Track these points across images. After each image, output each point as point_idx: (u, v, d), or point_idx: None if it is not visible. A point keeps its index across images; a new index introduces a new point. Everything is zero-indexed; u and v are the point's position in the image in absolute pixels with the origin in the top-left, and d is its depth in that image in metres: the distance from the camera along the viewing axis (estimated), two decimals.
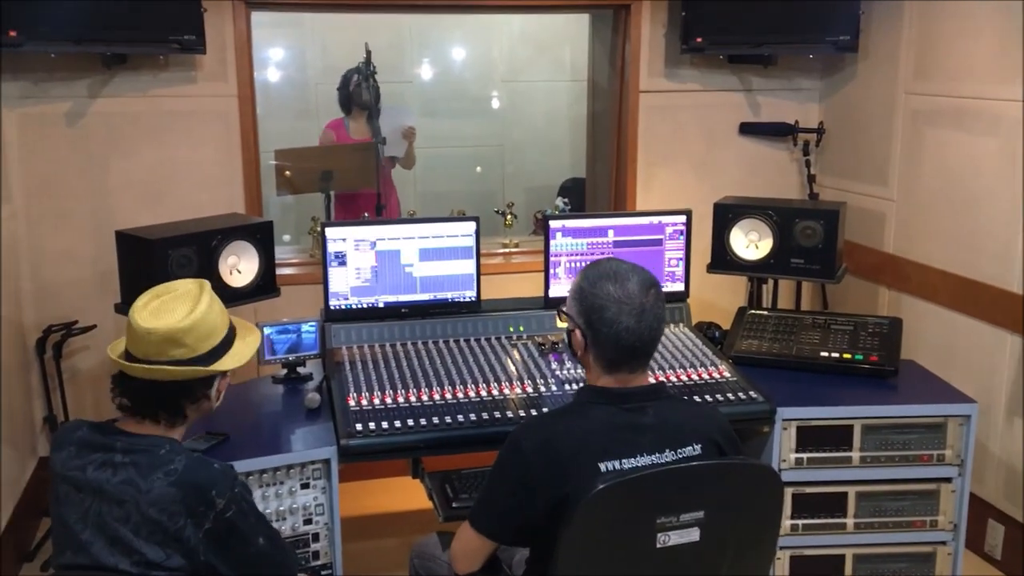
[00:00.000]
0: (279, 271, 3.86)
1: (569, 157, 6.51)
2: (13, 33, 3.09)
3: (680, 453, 1.88)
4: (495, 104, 6.81)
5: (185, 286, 1.92)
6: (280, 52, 6.40)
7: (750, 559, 1.90)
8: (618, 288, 1.91)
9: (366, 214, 4.25)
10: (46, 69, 3.42)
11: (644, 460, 1.85)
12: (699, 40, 3.74)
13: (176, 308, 1.85)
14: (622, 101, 4.08)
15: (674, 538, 1.79)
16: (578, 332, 1.96)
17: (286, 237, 5.85)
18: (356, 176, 4.54)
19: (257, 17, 3.72)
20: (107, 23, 3.20)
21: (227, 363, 1.89)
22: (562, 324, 2.09)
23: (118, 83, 3.52)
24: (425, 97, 6.50)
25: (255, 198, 3.76)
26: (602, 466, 1.82)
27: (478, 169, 6.85)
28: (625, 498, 1.77)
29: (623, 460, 1.84)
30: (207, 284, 1.93)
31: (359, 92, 4.72)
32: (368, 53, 4.79)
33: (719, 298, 3.91)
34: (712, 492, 1.81)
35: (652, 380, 2.00)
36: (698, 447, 1.90)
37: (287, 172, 4.21)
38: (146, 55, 3.47)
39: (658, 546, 1.78)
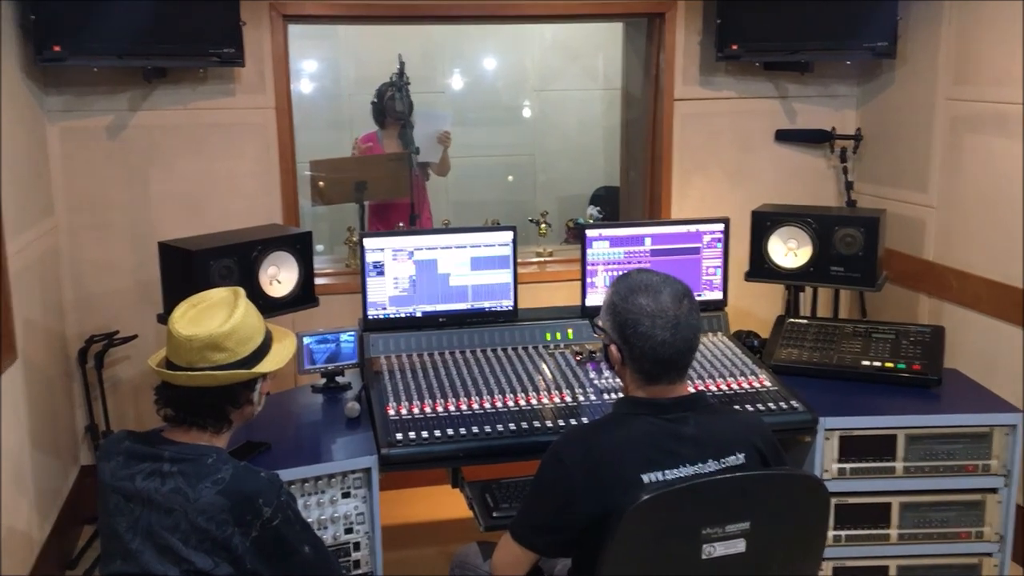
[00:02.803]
0: (315, 281, 3.91)
1: (601, 166, 6.51)
2: (57, 48, 3.15)
3: (723, 463, 1.87)
4: (527, 113, 6.82)
5: (220, 294, 1.96)
6: (314, 64, 6.47)
7: (796, 570, 1.88)
8: (651, 301, 1.89)
9: (401, 224, 4.26)
10: (88, 83, 3.48)
11: (687, 470, 1.84)
12: (734, 47, 3.72)
13: (214, 315, 1.88)
14: (656, 109, 4.07)
15: (720, 549, 1.77)
16: (614, 347, 1.95)
17: (319, 247, 5.89)
18: (390, 186, 4.57)
19: (292, 30, 3.76)
20: (148, 37, 3.25)
21: (268, 365, 1.92)
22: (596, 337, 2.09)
23: (158, 96, 3.57)
24: (457, 107, 6.52)
25: (292, 209, 3.79)
26: (645, 477, 1.81)
27: (510, 178, 6.86)
28: (670, 509, 1.76)
29: (666, 471, 1.83)
30: (241, 291, 1.96)
31: (392, 103, 4.76)
32: (402, 64, 4.83)
33: (754, 306, 3.89)
34: (758, 502, 1.80)
35: (691, 389, 1.99)
36: (741, 456, 1.89)
37: (321, 183, 4.25)
38: (186, 68, 3.52)
39: (703, 558, 1.76)
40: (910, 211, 3.77)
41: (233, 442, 2.30)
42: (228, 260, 2.74)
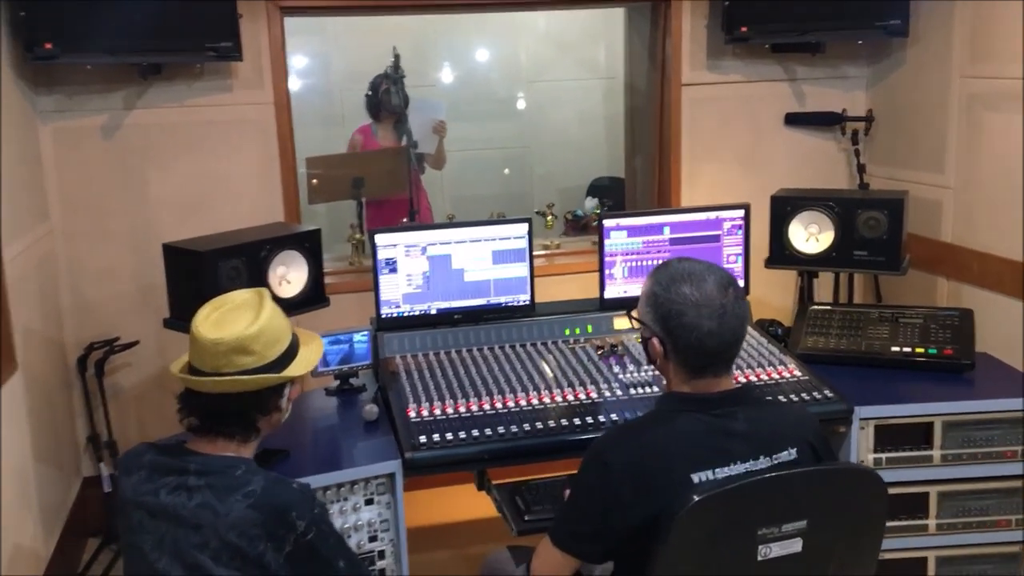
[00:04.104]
0: None
1: (600, 157, 6.42)
2: (48, 45, 3.02)
3: (776, 459, 1.78)
4: (521, 105, 6.73)
5: (243, 296, 1.86)
6: (304, 59, 6.35)
7: (854, 569, 1.80)
8: (695, 290, 1.80)
9: (405, 219, 4.17)
10: (81, 82, 3.36)
11: (739, 468, 1.75)
12: (744, 29, 3.64)
13: (240, 317, 1.78)
14: (663, 96, 3.98)
15: (776, 550, 1.69)
16: (656, 340, 1.86)
17: None
18: (387, 182, 4.49)
19: (286, 25, 3.65)
20: (142, 33, 3.13)
21: (297, 368, 1.82)
22: (624, 327, 1.98)
23: (153, 94, 3.45)
24: (451, 100, 6.40)
25: (294, 207, 3.69)
26: (695, 477, 1.73)
27: (506, 171, 6.76)
28: (723, 510, 1.67)
29: (717, 470, 1.74)
30: (266, 292, 1.87)
31: (388, 97, 4.67)
32: (396, 57, 4.73)
33: (767, 294, 3.80)
34: (814, 500, 1.71)
35: (735, 382, 1.91)
36: (793, 451, 1.80)
37: (317, 180, 4.16)
38: (182, 64, 3.40)
39: (759, 559, 1.68)
40: (926, 192, 3.69)
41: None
42: (236, 261, 2.63)
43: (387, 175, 4.47)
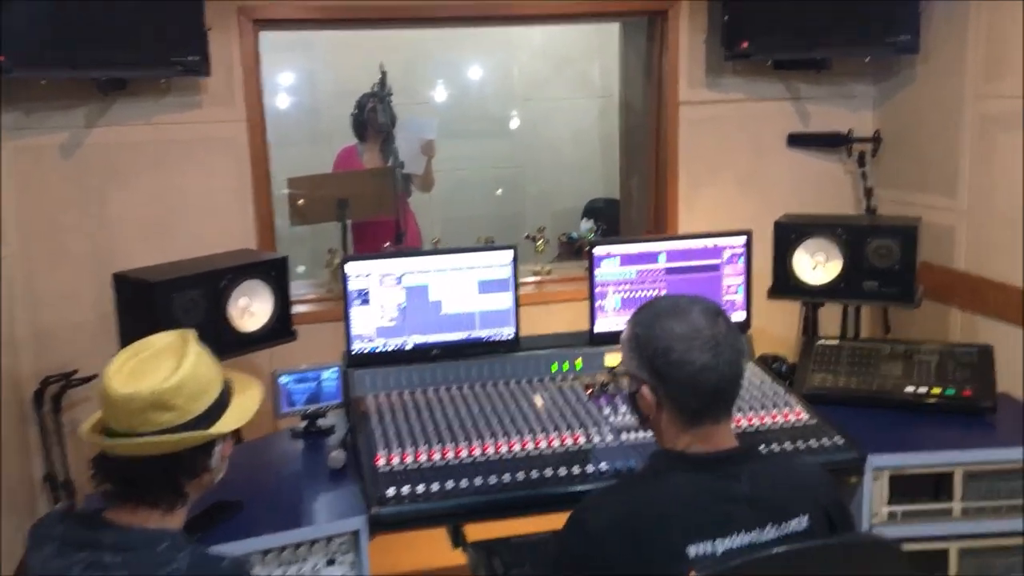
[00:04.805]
0: (294, 309, 3.59)
1: (596, 177, 6.23)
2: (1, 58, 2.82)
3: (784, 529, 1.56)
4: (515, 124, 6.55)
5: (165, 340, 1.61)
6: (291, 77, 6.19)
7: None
8: (680, 323, 1.60)
9: (388, 244, 3.96)
10: (39, 98, 3.16)
11: (742, 539, 1.53)
12: (744, 45, 3.45)
13: (158, 366, 1.54)
14: (660, 115, 3.79)
15: None
16: (645, 389, 1.64)
17: (300, 268, 5.59)
18: (373, 203, 4.29)
19: (268, 41, 3.46)
20: (103, 46, 2.94)
21: (228, 423, 1.59)
22: (616, 363, 1.76)
23: (117, 110, 3.25)
24: (442, 118, 6.20)
25: (268, 230, 3.48)
26: (692, 549, 1.50)
27: (499, 192, 6.57)
28: None
29: (717, 540, 1.52)
30: (192, 334, 1.63)
31: (375, 115, 4.50)
32: (383, 74, 4.55)
33: (769, 325, 3.57)
34: None
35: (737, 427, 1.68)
36: (805, 519, 1.58)
37: (301, 201, 3.97)
38: (147, 80, 3.20)
39: None
40: (937, 217, 3.48)
41: (201, 502, 1.97)
42: (192, 292, 2.43)
43: (373, 196, 4.28)
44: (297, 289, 3.83)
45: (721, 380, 1.59)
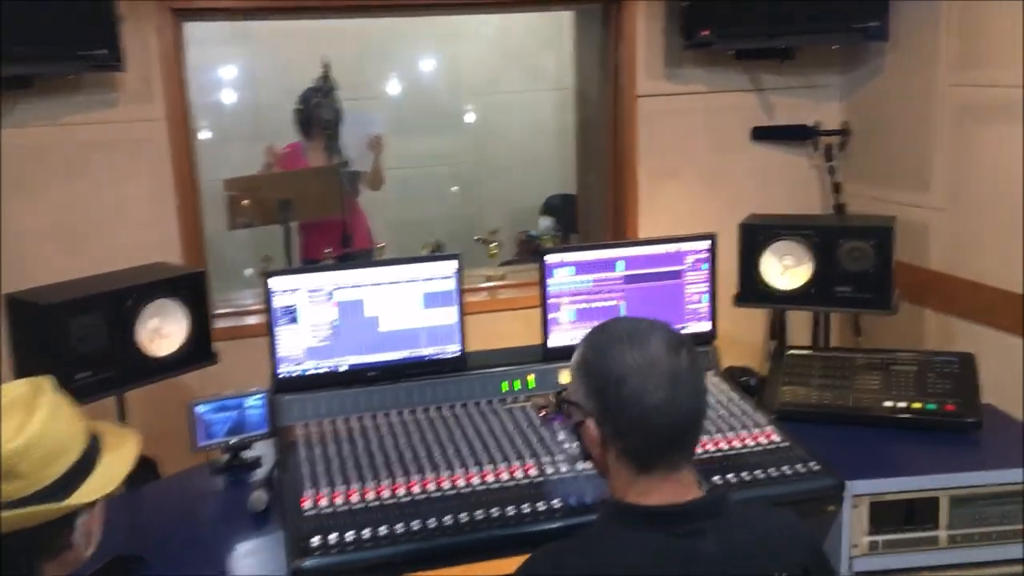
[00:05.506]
0: (234, 322, 3.33)
1: (555, 172, 6.00)
2: None
3: None
4: (470, 118, 6.30)
5: (15, 391, 1.33)
6: (232, 71, 5.88)
7: None
8: (636, 352, 1.38)
9: (328, 251, 3.70)
10: None
11: None
12: (705, 33, 3.22)
13: (3, 425, 1.27)
14: (617, 108, 3.55)
15: None
16: (590, 423, 1.42)
17: (249, 271, 5.31)
18: (318, 203, 4.06)
19: (203, 33, 3.18)
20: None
21: (90, 491, 1.32)
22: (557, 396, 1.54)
23: (21, 111, 2.94)
24: (394, 114, 5.97)
25: (194, 239, 3.19)
26: None
27: (454, 189, 6.32)
28: None
29: None
30: (48, 382, 1.36)
31: (319, 111, 4.26)
32: (326, 67, 4.32)
33: (734, 329, 3.35)
34: None
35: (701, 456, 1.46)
36: None
37: (244, 202, 3.73)
38: (54, 77, 2.90)
39: None
40: (909, 214, 3.28)
41: (98, 557, 1.71)
42: (93, 315, 2.15)
43: (317, 196, 4.04)
44: (244, 299, 3.58)
45: (675, 422, 1.37)
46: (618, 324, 1.48)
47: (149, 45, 3.02)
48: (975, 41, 2.99)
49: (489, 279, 3.71)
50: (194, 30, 3.33)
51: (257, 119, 5.76)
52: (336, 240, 3.97)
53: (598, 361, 1.42)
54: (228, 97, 5.86)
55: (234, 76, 5.86)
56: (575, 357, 1.48)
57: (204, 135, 5.73)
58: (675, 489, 1.40)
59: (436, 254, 2.54)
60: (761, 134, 3.60)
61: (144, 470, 2.54)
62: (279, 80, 5.65)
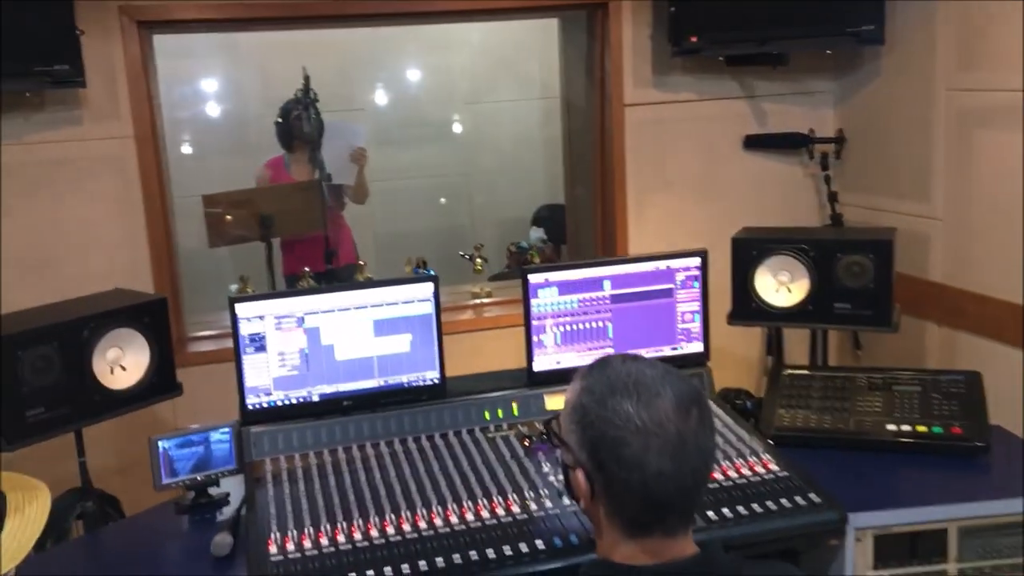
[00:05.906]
0: (214, 345, 3.20)
1: (543, 183, 5.88)
2: None
3: None
4: (458, 129, 6.18)
5: None
6: (214, 84, 5.76)
7: None
8: (642, 409, 1.24)
9: (306, 269, 3.58)
10: None
11: None
12: (694, 40, 3.10)
13: None
14: (604, 118, 3.44)
15: None
16: (580, 473, 1.29)
17: (234, 287, 5.17)
18: (300, 219, 3.96)
19: (185, 46, 3.05)
20: None
21: None
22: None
23: None
24: (380, 125, 5.87)
25: (165, 262, 3.07)
26: None
27: (442, 201, 6.20)
28: None
29: None
30: None
31: (300, 123, 4.14)
32: (306, 79, 4.20)
33: (729, 346, 3.23)
34: None
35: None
36: None
37: (227, 218, 3.62)
38: (14, 94, 2.78)
39: None
40: (910, 224, 3.17)
41: None
42: (46, 347, 2.03)
43: (298, 212, 3.95)
44: (225, 320, 3.44)
45: (678, 492, 1.24)
46: (624, 368, 1.30)
47: (114, 60, 2.90)
48: (974, 43, 2.88)
49: (475, 296, 3.58)
50: (175, 42, 3.22)
51: (240, 132, 5.64)
52: (319, 256, 3.84)
53: (596, 411, 1.27)
54: (212, 110, 5.75)
55: (216, 89, 5.74)
56: (570, 396, 1.33)
57: (186, 150, 5.62)
58: (669, 550, 1.27)
59: (412, 276, 2.40)
60: (754, 143, 3.48)
61: (106, 508, 2.41)
62: (263, 92, 5.55)
